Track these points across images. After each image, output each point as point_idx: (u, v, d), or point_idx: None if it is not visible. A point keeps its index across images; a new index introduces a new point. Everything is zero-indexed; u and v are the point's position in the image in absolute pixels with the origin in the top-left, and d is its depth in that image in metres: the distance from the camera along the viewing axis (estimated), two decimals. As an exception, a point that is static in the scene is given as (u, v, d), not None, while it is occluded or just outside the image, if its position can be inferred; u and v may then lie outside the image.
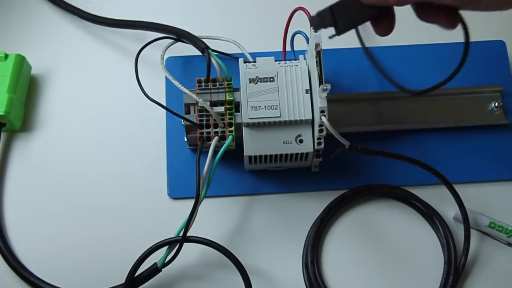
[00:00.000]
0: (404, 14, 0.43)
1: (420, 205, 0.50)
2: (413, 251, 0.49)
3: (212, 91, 0.49)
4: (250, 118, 0.47)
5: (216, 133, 0.48)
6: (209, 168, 0.46)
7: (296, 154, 0.48)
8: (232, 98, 0.49)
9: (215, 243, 0.46)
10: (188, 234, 0.45)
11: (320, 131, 0.45)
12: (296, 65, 0.48)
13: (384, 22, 0.41)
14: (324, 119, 0.44)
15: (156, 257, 0.46)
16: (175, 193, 0.51)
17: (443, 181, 0.47)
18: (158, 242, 0.46)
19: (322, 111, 0.44)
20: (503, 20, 0.57)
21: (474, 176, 0.51)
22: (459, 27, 0.43)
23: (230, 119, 0.48)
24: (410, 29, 0.55)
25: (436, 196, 0.50)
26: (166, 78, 0.53)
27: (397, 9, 0.42)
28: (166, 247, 0.46)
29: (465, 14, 0.57)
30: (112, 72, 0.55)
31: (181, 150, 0.52)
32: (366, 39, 0.55)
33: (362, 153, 0.45)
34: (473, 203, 0.50)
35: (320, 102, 0.44)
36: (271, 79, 0.48)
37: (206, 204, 0.48)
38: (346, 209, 0.50)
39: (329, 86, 0.42)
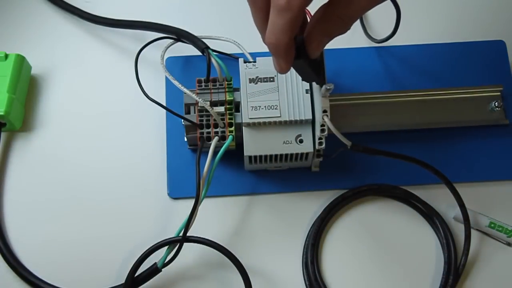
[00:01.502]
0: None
1: (420, 205, 0.50)
2: (413, 251, 0.49)
3: (212, 91, 0.49)
4: (250, 118, 0.47)
5: (216, 133, 0.48)
6: (209, 168, 0.46)
7: (296, 154, 0.48)
8: (232, 98, 0.49)
9: (215, 243, 0.46)
10: (188, 234, 0.45)
11: (322, 131, 0.45)
12: (296, 65, 0.48)
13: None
14: (326, 119, 0.44)
15: (156, 257, 0.46)
16: (175, 193, 0.51)
17: (444, 181, 0.47)
18: (158, 242, 0.46)
19: (325, 111, 0.44)
20: (503, 20, 0.58)
21: (474, 176, 0.51)
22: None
23: (230, 119, 0.48)
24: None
25: (436, 196, 0.50)
26: (166, 78, 0.53)
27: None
28: (166, 247, 0.46)
29: (466, 14, 0.58)
30: (112, 72, 0.55)
31: (181, 150, 0.52)
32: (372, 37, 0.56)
33: (364, 153, 0.45)
34: (473, 203, 0.50)
35: (323, 102, 0.44)
36: (271, 79, 0.48)
37: (206, 204, 0.48)
38: (346, 209, 0.50)
39: (332, 86, 0.42)
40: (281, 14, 0.34)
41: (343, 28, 0.37)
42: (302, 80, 0.42)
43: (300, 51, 0.37)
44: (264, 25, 0.36)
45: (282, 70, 0.38)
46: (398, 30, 0.52)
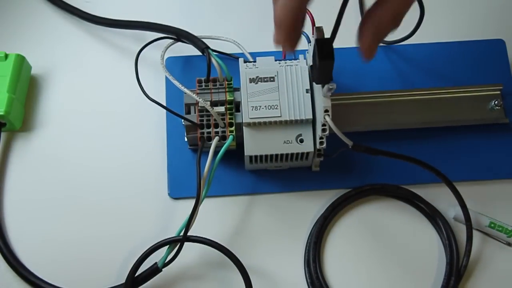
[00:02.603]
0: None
1: (423, 205, 0.50)
2: (415, 251, 0.49)
3: (213, 91, 0.49)
4: (250, 118, 0.47)
5: (216, 133, 0.48)
6: (210, 168, 0.46)
7: (297, 154, 0.48)
8: (232, 98, 0.49)
9: (216, 242, 0.46)
10: (188, 234, 0.45)
11: (323, 130, 0.45)
12: (296, 65, 0.48)
13: None
14: (328, 119, 0.44)
15: (156, 257, 0.46)
16: (175, 193, 0.51)
17: (445, 181, 0.47)
18: (159, 242, 0.46)
19: (326, 111, 0.44)
20: (503, 18, 0.58)
21: (474, 175, 0.51)
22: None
23: (230, 119, 0.48)
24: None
25: (439, 196, 0.50)
26: (166, 78, 0.53)
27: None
28: (167, 246, 0.46)
29: (465, 13, 0.58)
30: (112, 72, 0.55)
31: (182, 150, 0.52)
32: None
33: (366, 153, 0.45)
34: (473, 203, 0.50)
35: (325, 101, 0.44)
36: (271, 79, 0.48)
37: (207, 204, 0.48)
38: (349, 208, 0.50)
39: (334, 86, 0.42)
40: None
41: (396, 26, 0.39)
42: (314, 81, 0.42)
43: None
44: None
45: (278, 43, 0.40)
46: (398, 29, 0.51)
